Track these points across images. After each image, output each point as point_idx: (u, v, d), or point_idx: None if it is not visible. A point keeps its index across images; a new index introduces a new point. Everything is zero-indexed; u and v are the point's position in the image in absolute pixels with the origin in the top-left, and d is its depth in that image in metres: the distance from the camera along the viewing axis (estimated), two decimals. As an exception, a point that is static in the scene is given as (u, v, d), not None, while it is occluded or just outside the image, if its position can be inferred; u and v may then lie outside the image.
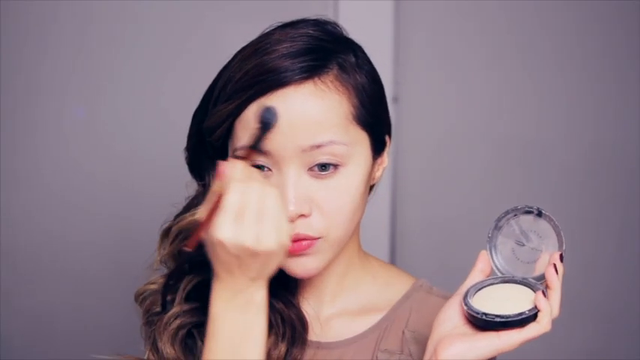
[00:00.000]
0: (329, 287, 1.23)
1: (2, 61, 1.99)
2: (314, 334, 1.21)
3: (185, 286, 1.20)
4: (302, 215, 1.10)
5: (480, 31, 2.08)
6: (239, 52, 1.15)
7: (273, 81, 1.09)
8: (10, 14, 1.98)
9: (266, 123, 1.04)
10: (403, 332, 1.21)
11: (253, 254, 1.02)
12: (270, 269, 1.05)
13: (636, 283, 2.10)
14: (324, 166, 1.11)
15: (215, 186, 1.03)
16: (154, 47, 2.01)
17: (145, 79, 2.01)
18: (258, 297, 1.06)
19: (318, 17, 1.17)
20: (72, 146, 2.02)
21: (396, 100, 2.00)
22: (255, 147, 1.06)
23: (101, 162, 2.03)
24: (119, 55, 2.01)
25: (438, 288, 1.27)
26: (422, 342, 1.19)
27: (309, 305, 1.23)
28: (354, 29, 1.19)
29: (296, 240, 1.10)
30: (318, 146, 1.09)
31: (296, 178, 1.10)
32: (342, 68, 1.12)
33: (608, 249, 2.11)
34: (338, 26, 1.17)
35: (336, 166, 1.11)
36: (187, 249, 1.03)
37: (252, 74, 1.10)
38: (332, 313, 1.23)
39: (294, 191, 1.09)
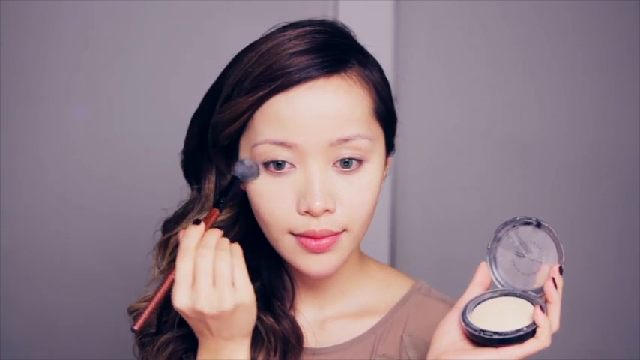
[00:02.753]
0: (329, 290, 1.22)
1: (3, 61, 1.99)
2: (311, 340, 1.20)
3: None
4: (327, 210, 1.09)
5: (480, 31, 2.08)
6: (250, 48, 1.14)
7: (301, 73, 1.08)
8: (11, 14, 1.98)
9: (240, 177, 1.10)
10: (402, 337, 1.20)
11: (214, 317, 1.05)
12: (243, 327, 1.09)
13: (636, 283, 2.10)
14: (347, 162, 1.10)
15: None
16: (154, 48, 2.01)
17: (146, 79, 2.01)
18: (239, 356, 1.09)
19: (324, 18, 1.17)
20: (72, 146, 2.02)
21: (396, 100, 1.99)
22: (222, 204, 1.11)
23: (102, 162, 2.02)
24: (120, 56, 2.01)
25: (437, 290, 1.26)
26: (420, 347, 1.19)
27: (308, 310, 1.22)
28: (354, 29, 1.19)
29: (319, 237, 1.10)
30: (346, 140, 1.09)
31: (321, 174, 1.09)
32: (361, 64, 1.12)
33: (608, 249, 2.11)
34: (346, 27, 1.17)
35: (359, 161, 1.10)
36: (135, 328, 1.05)
37: (275, 67, 1.09)
38: (329, 316, 1.23)
39: (319, 186, 1.09)
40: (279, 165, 1.10)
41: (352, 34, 1.17)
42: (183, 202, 1.23)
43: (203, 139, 1.17)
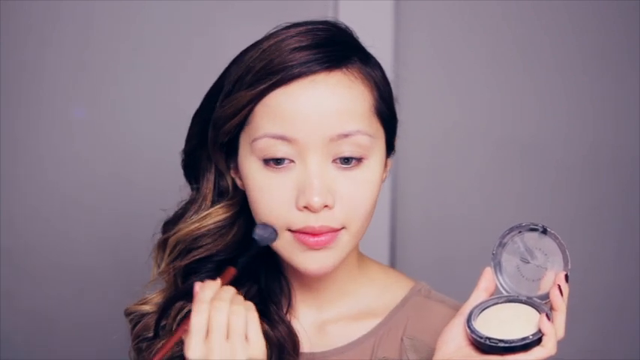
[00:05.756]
0: (327, 292, 1.21)
1: (3, 61, 1.99)
2: (309, 344, 1.19)
3: (175, 314, 1.18)
4: (326, 206, 1.09)
5: (480, 31, 2.08)
6: (252, 46, 1.14)
7: (302, 67, 1.08)
8: (11, 14, 1.98)
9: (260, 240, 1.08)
10: (402, 339, 1.19)
11: None
12: None
13: (636, 283, 2.10)
14: (347, 159, 1.10)
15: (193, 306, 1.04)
16: (154, 48, 2.01)
17: (146, 79, 2.01)
18: None
19: (326, 19, 1.17)
20: (73, 146, 2.02)
21: (396, 99, 1.99)
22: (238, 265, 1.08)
23: (102, 162, 2.03)
24: (120, 56, 2.01)
25: (437, 290, 1.25)
26: (420, 349, 1.18)
27: (306, 313, 1.21)
28: (354, 29, 1.19)
29: (318, 233, 1.10)
30: (346, 135, 1.08)
31: (320, 169, 1.09)
32: (363, 61, 1.13)
33: (608, 249, 2.11)
34: (348, 28, 1.17)
35: (359, 159, 1.10)
36: None
37: (277, 62, 1.09)
38: (328, 319, 1.21)
39: (318, 181, 1.08)
40: (278, 161, 1.10)
41: (354, 34, 1.18)
42: (183, 203, 1.23)
43: (203, 137, 1.17)
